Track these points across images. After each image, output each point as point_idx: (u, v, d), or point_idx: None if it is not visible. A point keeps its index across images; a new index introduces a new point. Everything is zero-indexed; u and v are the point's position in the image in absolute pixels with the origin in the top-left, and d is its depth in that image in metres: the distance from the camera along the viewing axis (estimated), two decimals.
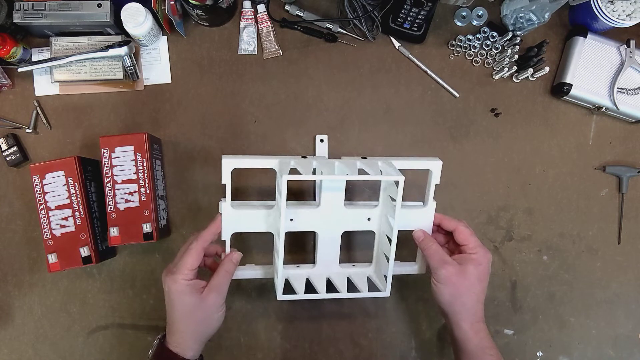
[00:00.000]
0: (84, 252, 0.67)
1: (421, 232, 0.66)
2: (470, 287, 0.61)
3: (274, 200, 0.66)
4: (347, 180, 0.65)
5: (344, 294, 0.65)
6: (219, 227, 0.63)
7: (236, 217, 0.63)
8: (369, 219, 0.67)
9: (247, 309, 0.75)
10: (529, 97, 0.80)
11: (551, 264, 0.79)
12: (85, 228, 0.67)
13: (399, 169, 0.62)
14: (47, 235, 0.67)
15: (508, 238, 0.79)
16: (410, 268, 0.69)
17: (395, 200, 0.61)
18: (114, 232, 0.67)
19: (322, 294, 0.65)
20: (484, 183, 0.79)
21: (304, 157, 0.65)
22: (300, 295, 0.65)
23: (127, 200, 0.67)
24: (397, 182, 0.60)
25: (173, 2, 0.70)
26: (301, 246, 0.76)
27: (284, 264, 0.63)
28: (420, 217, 0.66)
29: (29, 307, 0.74)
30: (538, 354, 0.78)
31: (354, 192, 0.77)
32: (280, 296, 0.64)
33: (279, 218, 0.60)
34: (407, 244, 0.70)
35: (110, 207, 0.67)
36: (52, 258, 0.67)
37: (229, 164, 0.60)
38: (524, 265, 0.79)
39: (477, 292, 0.61)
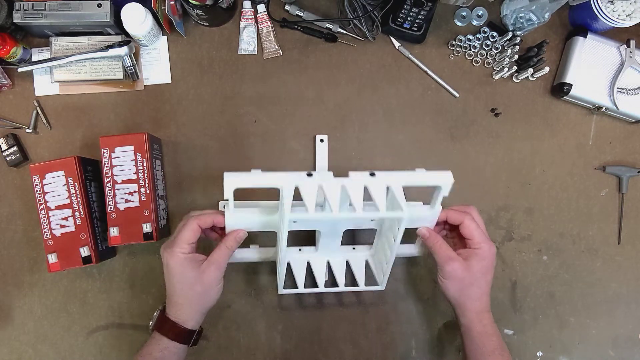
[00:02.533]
0: (84, 252, 0.67)
1: (426, 229, 0.65)
2: (474, 281, 0.63)
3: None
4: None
5: (341, 288, 0.69)
6: (220, 222, 0.61)
7: (240, 219, 0.62)
8: (372, 220, 0.67)
9: (247, 309, 0.75)
10: (529, 97, 0.80)
11: (551, 264, 0.79)
12: (85, 228, 0.67)
13: (407, 185, 0.59)
14: (47, 235, 0.67)
15: (508, 238, 0.79)
16: (408, 251, 0.71)
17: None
18: (114, 232, 0.67)
19: (320, 288, 0.69)
20: (484, 183, 0.79)
21: (309, 174, 0.58)
22: (300, 289, 0.69)
23: (127, 200, 0.67)
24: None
25: (173, 2, 0.70)
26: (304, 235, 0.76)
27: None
28: (424, 217, 0.65)
29: (29, 307, 0.74)
30: (538, 354, 0.78)
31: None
32: (281, 290, 0.68)
33: (283, 222, 0.58)
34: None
35: (110, 207, 0.67)
36: (52, 258, 0.67)
37: (231, 183, 0.56)
38: (524, 265, 0.79)
39: (481, 285, 0.64)
